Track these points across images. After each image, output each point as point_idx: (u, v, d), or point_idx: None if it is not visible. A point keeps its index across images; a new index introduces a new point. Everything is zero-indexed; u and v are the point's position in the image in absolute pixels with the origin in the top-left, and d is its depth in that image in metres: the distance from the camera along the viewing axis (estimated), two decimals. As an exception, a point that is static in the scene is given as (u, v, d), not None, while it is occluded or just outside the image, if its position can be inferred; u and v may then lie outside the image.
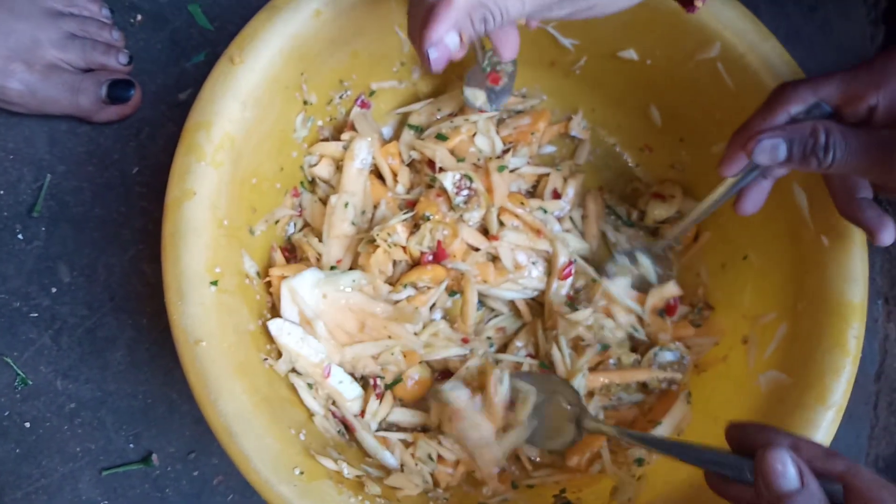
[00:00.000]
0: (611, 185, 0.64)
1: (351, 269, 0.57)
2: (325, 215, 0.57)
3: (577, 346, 0.57)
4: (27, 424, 0.57)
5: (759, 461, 0.36)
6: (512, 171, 0.61)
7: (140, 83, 0.61)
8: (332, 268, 0.56)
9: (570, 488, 0.55)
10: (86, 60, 0.60)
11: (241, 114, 0.49)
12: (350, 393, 0.54)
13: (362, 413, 0.55)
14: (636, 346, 0.59)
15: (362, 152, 0.58)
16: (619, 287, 0.59)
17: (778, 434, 0.38)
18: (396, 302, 0.56)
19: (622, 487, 0.53)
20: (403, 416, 0.56)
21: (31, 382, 0.58)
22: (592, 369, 0.56)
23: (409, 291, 0.57)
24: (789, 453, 0.36)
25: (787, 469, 0.35)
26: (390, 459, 0.54)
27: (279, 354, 0.52)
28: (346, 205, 0.56)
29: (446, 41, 0.38)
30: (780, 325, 0.53)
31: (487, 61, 0.55)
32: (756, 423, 0.40)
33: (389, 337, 0.54)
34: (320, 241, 0.57)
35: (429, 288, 0.57)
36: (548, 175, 0.62)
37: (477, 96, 0.56)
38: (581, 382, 0.54)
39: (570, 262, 0.59)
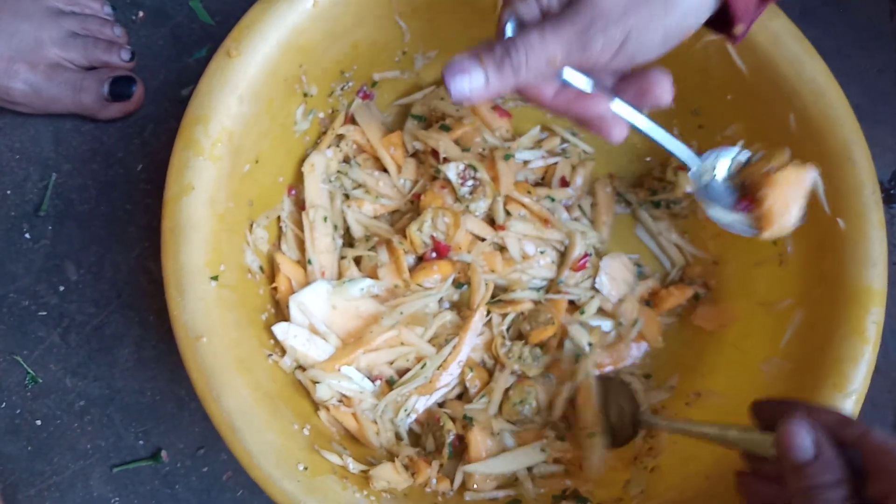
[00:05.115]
0: (622, 171, 0.63)
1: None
2: (305, 231, 0.56)
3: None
4: (38, 422, 0.58)
5: (777, 434, 0.36)
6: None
7: (143, 80, 0.61)
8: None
9: (582, 480, 0.54)
10: (88, 58, 0.59)
11: (239, 108, 0.49)
12: (362, 388, 0.54)
13: None
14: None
15: (320, 166, 0.57)
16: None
17: (795, 405, 0.38)
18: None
19: (634, 480, 0.52)
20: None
21: (40, 380, 0.58)
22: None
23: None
24: (804, 423, 0.36)
25: (802, 440, 0.36)
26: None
27: (284, 351, 0.52)
28: (325, 219, 0.56)
29: (471, 73, 0.39)
30: (797, 312, 0.52)
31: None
32: (778, 398, 0.40)
33: (402, 343, 0.53)
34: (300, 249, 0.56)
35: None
36: (556, 163, 0.61)
37: (735, 221, 0.46)
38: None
39: (586, 255, 0.58)
